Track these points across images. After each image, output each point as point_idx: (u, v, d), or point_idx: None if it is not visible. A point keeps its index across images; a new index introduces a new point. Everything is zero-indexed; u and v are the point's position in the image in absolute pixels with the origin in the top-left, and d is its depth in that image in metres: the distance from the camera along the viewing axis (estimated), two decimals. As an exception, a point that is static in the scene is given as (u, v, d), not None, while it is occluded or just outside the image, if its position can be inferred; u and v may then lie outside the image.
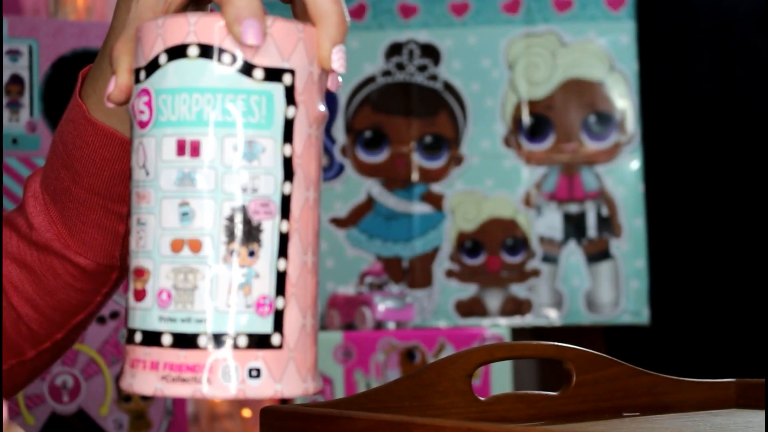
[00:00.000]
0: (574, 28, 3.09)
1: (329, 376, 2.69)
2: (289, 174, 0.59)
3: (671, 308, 3.12)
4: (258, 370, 0.58)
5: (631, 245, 3.03)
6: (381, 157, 3.08)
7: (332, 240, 3.05)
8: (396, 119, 3.09)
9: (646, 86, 3.09)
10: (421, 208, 3.07)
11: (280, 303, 0.58)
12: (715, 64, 3.19)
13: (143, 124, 0.59)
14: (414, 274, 3.05)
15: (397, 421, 0.68)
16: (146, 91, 0.59)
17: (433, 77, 3.10)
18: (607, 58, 3.08)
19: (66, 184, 0.85)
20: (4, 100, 2.34)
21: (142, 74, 0.60)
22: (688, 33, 3.21)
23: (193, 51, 0.58)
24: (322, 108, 0.63)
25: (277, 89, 0.59)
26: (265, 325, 0.58)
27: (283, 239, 0.59)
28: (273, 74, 0.59)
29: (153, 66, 0.59)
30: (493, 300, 3.04)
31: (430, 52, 3.10)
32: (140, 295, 0.59)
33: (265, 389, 0.58)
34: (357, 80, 3.09)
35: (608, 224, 3.05)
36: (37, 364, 0.92)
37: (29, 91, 2.37)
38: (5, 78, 2.34)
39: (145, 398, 2.25)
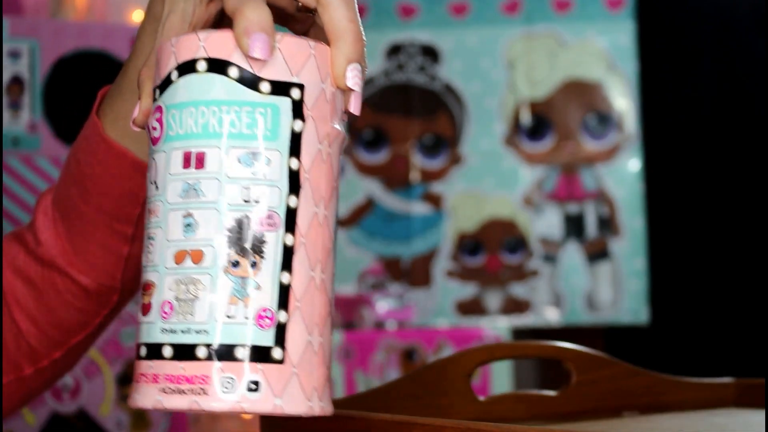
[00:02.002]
0: (574, 28, 3.09)
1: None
2: (295, 187, 0.58)
3: (671, 308, 3.12)
4: (257, 383, 0.57)
5: (630, 245, 3.03)
6: (381, 157, 3.08)
7: (332, 240, 3.05)
8: (396, 119, 3.09)
9: (646, 86, 3.10)
10: (420, 208, 3.07)
11: (282, 317, 0.57)
12: (715, 64, 3.19)
13: (155, 141, 0.60)
14: (414, 273, 3.05)
15: (397, 421, 0.68)
16: (159, 108, 0.60)
17: (433, 77, 3.10)
18: (607, 58, 3.08)
19: (75, 201, 0.85)
20: (5, 101, 2.35)
21: (157, 92, 0.60)
22: (688, 33, 3.21)
23: (201, 65, 0.59)
24: (338, 127, 0.62)
25: (284, 103, 0.59)
26: (265, 338, 0.57)
27: (288, 252, 0.58)
28: (280, 88, 0.59)
29: (166, 83, 0.60)
30: (493, 300, 3.04)
31: (430, 52, 3.10)
32: (146, 309, 0.59)
33: (264, 404, 0.57)
34: (357, 80, 3.09)
35: (608, 224, 3.05)
36: (35, 383, 0.91)
37: (30, 91, 2.37)
38: (6, 78, 2.35)
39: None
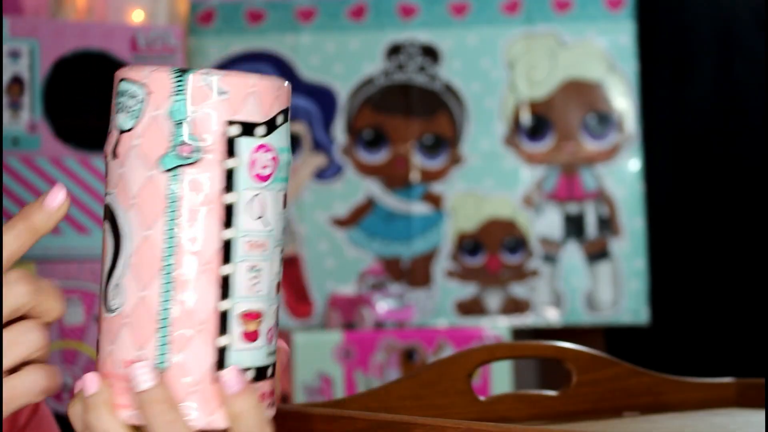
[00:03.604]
0: (574, 28, 3.09)
1: (329, 375, 2.70)
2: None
3: (671, 308, 3.12)
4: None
5: (631, 245, 3.03)
6: (381, 157, 3.08)
7: (332, 240, 3.05)
8: (396, 119, 3.09)
9: (646, 86, 3.09)
10: (420, 208, 3.07)
11: None
12: (715, 64, 3.19)
13: (264, 178, 0.64)
14: (414, 273, 3.05)
15: (397, 421, 0.68)
16: (269, 149, 0.65)
17: (433, 77, 3.10)
18: (607, 58, 3.08)
19: None
20: (5, 101, 2.35)
21: (262, 129, 0.64)
22: (688, 33, 3.21)
23: (285, 116, 0.66)
24: None
25: None
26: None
27: None
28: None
29: (272, 125, 0.65)
30: (493, 300, 3.04)
31: (430, 52, 3.10)
32: (253, 336, 0.65)
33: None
34: (357, 80, 3.09)
35: (608, 224, 3.05)
36: None
37: (30, 91, 2.37)
38: (6, 78, 2.35)
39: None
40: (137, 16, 2.74)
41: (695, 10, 3.20)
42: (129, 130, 0.64)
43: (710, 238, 3.15)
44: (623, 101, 3.07)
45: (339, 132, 3.09)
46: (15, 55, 2.35)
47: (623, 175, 3.05)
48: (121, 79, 0.65)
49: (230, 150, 0.63)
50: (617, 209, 3.05)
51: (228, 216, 0.63)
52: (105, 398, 0.63)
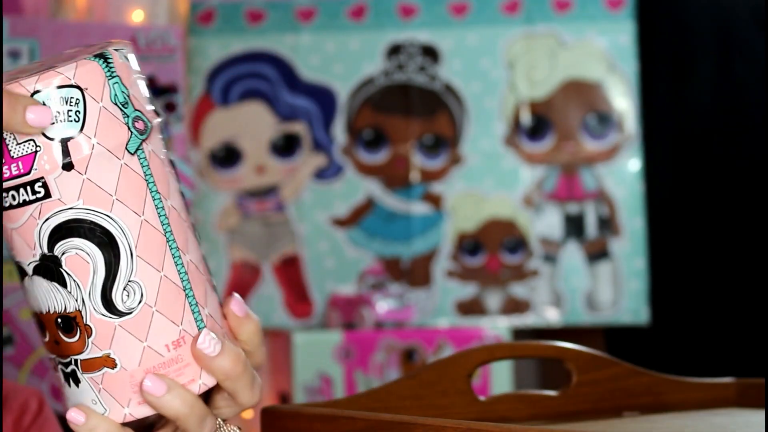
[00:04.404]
0: (574, 28, 3.09)
1: (329, 375, 2.70)
2: None
3: (671, 308, 3.12)
4: None
5: (630, 245, 3.03)
6: (381, 157, 3.08)
7: (332, 240, 3.05)
8: (396, 119, 3.09)
9: (646, 86, 3.09)
10: (420, 208, 3.07)
11: None
12: (715, 64, 3.19)
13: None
14: (414, 273, 3.05)
15: (397, 421, 0.68)
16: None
17: (433, 77, 3.10)
18: (607, 58, 3.08)
19: None
20: (5, 101, 2.34)
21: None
22: (688, 33, 3.21)
23: None
24: None
25: None
26: None
27: None
28: None
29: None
30: (493, 300, 3.04)
31: (430, 52, 3.10)
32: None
33: None
34: (357, 80, 3.09)
35: (608, 224, 3.05)
36: None
37: (29, 91, 2.36)
38: (5, 78, 2.34)
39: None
40: (137, 16, 2.74)
41: (695, 10, 3.19)
42: (72, 137, 0.61)
43: (710, 238, 3.15)
44: (623, 101, 3.07)
45: (339, 132, 3.09)
46: (15, 55, 2.35)
47: (623, 175, 3.05)
48: (33, 93, 0.60)
49: (157, 112, 0.65)
50: (617, 209, 3.05)
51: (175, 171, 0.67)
52: (99, 413, 0.65)
